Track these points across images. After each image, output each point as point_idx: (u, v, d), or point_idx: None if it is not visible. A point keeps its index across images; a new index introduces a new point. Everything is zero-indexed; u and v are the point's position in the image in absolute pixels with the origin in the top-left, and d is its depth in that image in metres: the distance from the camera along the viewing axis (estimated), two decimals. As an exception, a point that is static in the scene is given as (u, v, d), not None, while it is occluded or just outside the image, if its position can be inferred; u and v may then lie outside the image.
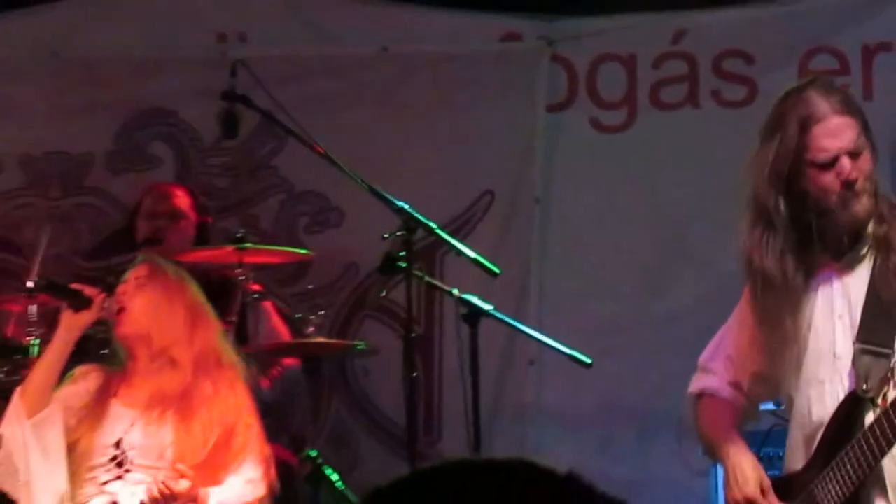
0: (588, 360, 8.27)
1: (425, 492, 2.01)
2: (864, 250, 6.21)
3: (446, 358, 9.54)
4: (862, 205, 6.08)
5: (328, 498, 9.15)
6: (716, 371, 6.49)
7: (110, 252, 9.89)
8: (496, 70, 10.08)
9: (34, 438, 7.39)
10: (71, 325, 7.37)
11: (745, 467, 6.30)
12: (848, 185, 6.01)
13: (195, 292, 7.69)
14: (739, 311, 6.49)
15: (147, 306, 7.41)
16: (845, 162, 6.01)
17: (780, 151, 6.08)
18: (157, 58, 10.18)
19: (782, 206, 6.11)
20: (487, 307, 8.09)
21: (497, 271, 8.37)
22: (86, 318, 7.38)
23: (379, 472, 9.20)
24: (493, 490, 1.92)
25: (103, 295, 7.46)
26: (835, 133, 6.04)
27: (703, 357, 6.56)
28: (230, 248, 8.78)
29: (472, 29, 10.15)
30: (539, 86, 10.01)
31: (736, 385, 6.44)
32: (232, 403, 7.42)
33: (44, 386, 7.32)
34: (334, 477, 8.91)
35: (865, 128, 6.14)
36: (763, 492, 6.18)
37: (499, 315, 8.22)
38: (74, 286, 7.60)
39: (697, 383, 6.51)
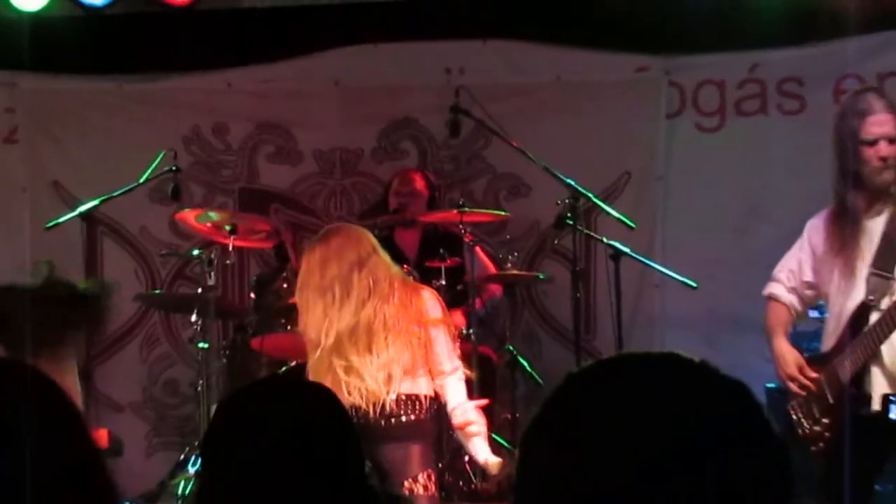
0: (694, 284, 9.10)
1: (608, 375, 2.00)
2: (885, 205, 7.01)
3: (599, 284, 9.88)
4: (889, 174, 6.93)
5: (521, 378, 9.85)
6: (781, 280, 7.36)
7: (374, 215, 10.12)
8: (632, 90, 10.55)
9: None
10: None
11: (785, 353, 7.21)
12: (882, 159, 6.89)
13: (351, 249, 7.63)
14: (801, 241, 7.36)
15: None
16: (883, 144, 6.90)
17: (847, 131, 6.99)
18: (405, 84, 10.68)
19: (851, 167, 6.94)
20: (626, 249, 8.93)
21: (633, 225, 9.21)
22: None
23: (555, 361, 10.14)
24: (655, 372, 1.95)
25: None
26: (880, 123, 6.94)
27: (775, 270, 7.41)
28: (454, 211, 9.33)
29: (617, 63, 10.54)
30: (660, 100, 10.48)
31: (794, 290, 7.32)
32: (413, 313, 7.57)
33: None
34: (525, 364, 9.71)
35: None
36: (800, 368, 7.10)
37: (634, 254, 9.04)
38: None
39: (768, 288, 7.41)
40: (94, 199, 9.26)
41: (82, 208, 9.26)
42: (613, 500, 1.80)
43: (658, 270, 9.44)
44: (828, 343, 7.18)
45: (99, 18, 9.92)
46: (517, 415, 9.56)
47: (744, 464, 1.81)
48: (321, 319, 7.49)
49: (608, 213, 9.26)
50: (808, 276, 7.29)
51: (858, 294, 6.99)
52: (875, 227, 7.07)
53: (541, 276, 10.12)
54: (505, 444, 9.16)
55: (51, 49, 10.17)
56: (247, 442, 2.80)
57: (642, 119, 10.53)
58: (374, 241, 7.78)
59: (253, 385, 2.92)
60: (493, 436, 9.00)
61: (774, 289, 7.38)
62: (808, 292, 7.33)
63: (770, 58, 10.40)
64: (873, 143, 6.95)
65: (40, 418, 2.21)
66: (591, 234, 9.36)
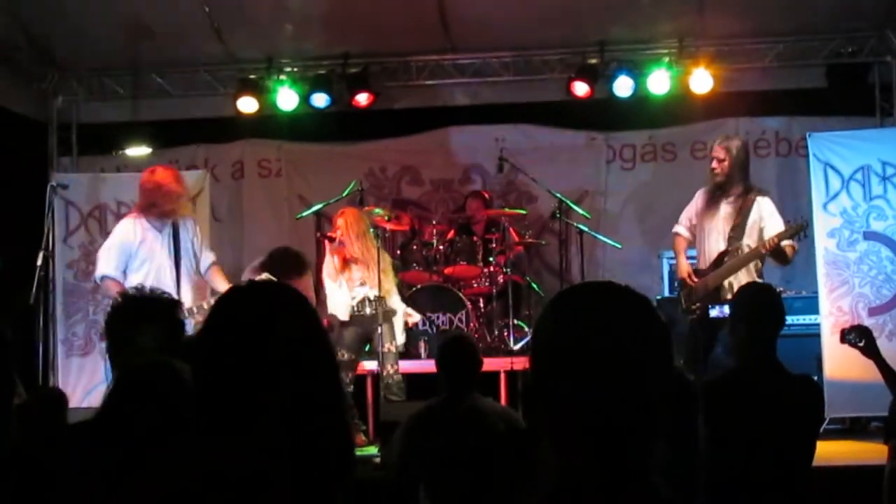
0: (619, 245, 9.27)
1: (579, 291, 1.77)
2: (732, 198, 7.04)
3: (572, 247, 9.46)
4: (720, 181, 7.08)
5: (534, 293, 9.54)
6: (682, 223, 7.38)
7: (462, 211, 9.99)
8: (589, 149, 10.27)
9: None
10: (328, 250, 7.93)
11: (683, 264, 7.29)
12: (713, 172, 7.13)
13: (365, 219, 7.94)
14: (692, 203, 7.34)
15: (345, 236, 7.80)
16: (715, 163, 7.11)
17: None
18: (476, 146, 10.31)
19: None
20: (585, 228, 8.97)
21: (589, 216, 9.27)
22: (328, 244, 7.95)
23: (549, 287, 9.66)
24: (603, 289, 1.73)
25: (325, 238, 8.03)
26: (716, 152, 7.12)
27: (679, 220, 7.41)
28: (502, 210, 9.50)
29: (582, 136, 10.29)
30: (603, 154, 10.20)
31: (688, 228, 7.32)
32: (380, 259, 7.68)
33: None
34: (536, 286, 9.56)
35: (738, 153, 7.07)
36: (689, 274, 7.19)
37: (590, 231, 9.08)
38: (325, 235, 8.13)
39: (675, 228, 7.42)
40: (320, 203, 9.15)
41: (314, 208, 9.21)
42: (576, 350, 1.68)
43: (601, 239, 9.34)
44: (702, 265, 7.21)
45: (322, 113, 9.73)
46: (530, 311, 9.36)
47: (649, 331, 1.70)
48: (365, 251, 7.75)
49: (576, 211, 9.23)
50: (695, 221, 7.31)
51: (722, 244, 7.09)
52: (732, 207, 7.10)
53: (543, 243, 10.02)
54: (526, 326, 9.07)
55: (297, 128, 10.20)
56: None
57: (593, 163, 10.31)
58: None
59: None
60: (519, 322, 9.01)
61: (678, 229, 7.44)
62: (694, 233, 7.32)
63: (658, 132, 10.19)
64: (712, 161, 7.16)
65: (299, 310, 2.10)
66: (568, 221, 9.24)
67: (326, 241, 7.99)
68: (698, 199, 7.36)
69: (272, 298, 2.14)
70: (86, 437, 2.66)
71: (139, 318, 3.34)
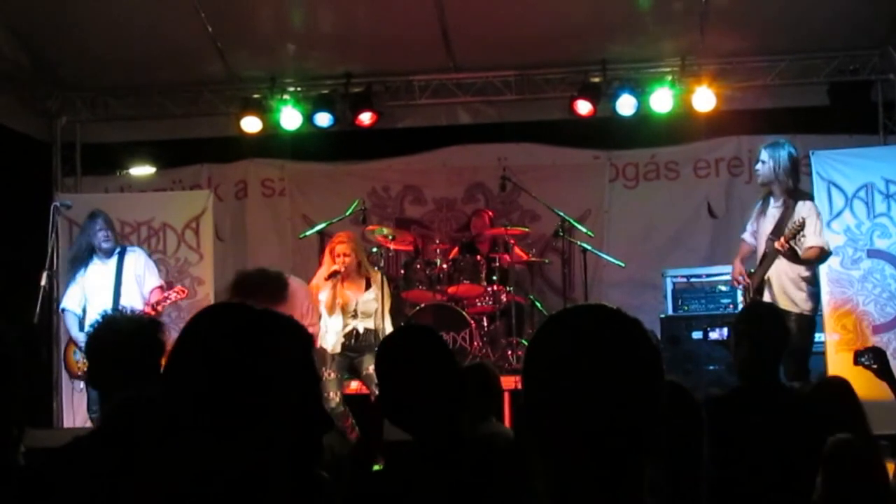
0: (622, 264, 9.19)
1: (573, 312, 1.78)
2: (780, 201, 7.01)
3: (575, 265, 9.31)
4: (763, 183, 7.13)
5: (536, 312, 9.43)
6: (747, 230, 7.32)
7: (465, 230, 10.08)
8: (591, 167, 10.20)
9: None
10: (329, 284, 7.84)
11: (737, 267, 7.21)
12: (756, 173, 7.23)
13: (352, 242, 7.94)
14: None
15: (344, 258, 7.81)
16: (758, 165, 7.11)
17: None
18: (479, 165, 10.30)
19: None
20: (588, 247, 8.99)
21: (592, 234, 9.28)
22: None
23: (552, 304, 9.53)
24: (595, 312, 1.75)
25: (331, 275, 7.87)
26: (761, 155, 7.08)
27: (745, 226, 7.40)
28: (502, 228, 9.22)
29: (584, 154, 10.23)
30: (606, 172, 10.15)
31: (752, 234, 7.22)
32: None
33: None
34: (539, 304, 9.41)
35: (782, 158, 7.02)
36: (741, 275, 7.12)
37: (593, 250, 9.08)
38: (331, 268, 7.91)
39: (742, 234, 7.39)
40: (324, 222, 9.07)
41: (317, 227, 9.14)
42: (566, 370, 1.69)
43: (604, 258, 9.31)
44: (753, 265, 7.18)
45: (325, 132, 9.74)
46: (534, 330, 9.10)
47: (638, 352, 1.71)
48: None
49: (579, 229, 9.19)
50: (755, 227, 7.21)
51: (768, 243, 7.05)
52: (778, 211, 7.06)
53: (546, 261, 9.94)
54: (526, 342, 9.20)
55: (300, 147, 10.24)
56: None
57: (596, 181, 10.26)
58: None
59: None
60: (523, 341, 8.87)
61: (744, 235, 7.42)
62: (752, 239, 7.26)
63: (661, 151, 10.15)
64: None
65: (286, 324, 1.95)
66: (571, 239, 9.18)
67: (330, 278, 7.95)
68: (755, 210, 7.42)
69: (260, 316, 2.05)
70: (86, 449, 2.66)
71: (120, 339, 3.33)
